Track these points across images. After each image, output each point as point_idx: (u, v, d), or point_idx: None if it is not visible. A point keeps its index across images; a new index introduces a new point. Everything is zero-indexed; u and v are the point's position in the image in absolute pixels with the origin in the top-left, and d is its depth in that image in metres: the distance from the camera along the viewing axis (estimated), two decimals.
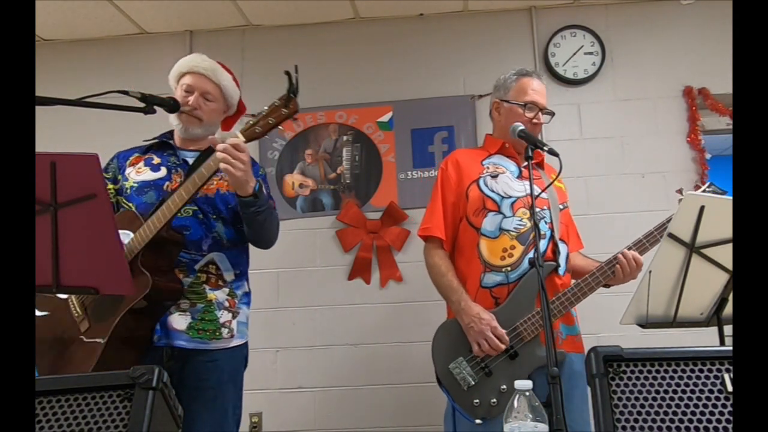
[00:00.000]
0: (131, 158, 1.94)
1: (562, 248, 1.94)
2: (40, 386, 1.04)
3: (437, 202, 2.02)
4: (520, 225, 1.90)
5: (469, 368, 1.82)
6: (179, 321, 1.76)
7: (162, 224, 1.65)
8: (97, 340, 1.64)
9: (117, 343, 1.63)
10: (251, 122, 1.68)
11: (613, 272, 1.83)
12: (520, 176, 2.01)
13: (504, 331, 1.80)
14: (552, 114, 2.06)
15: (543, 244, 1.88)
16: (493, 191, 1.95)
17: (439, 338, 1.92)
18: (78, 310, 1.74)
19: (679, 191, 1.94)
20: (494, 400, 1.78)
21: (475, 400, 1.79)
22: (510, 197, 1.94)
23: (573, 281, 1.91)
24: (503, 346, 1.78)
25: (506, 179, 1.98)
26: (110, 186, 1.91)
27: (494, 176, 1.99)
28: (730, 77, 2.93)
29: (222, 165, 1.63)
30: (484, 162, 2.05)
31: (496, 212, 1.92)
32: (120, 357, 1.61)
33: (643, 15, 3.28)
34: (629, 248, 1.85)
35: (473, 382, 1.81)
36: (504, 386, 1.78)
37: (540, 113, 2.02)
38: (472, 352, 1.83)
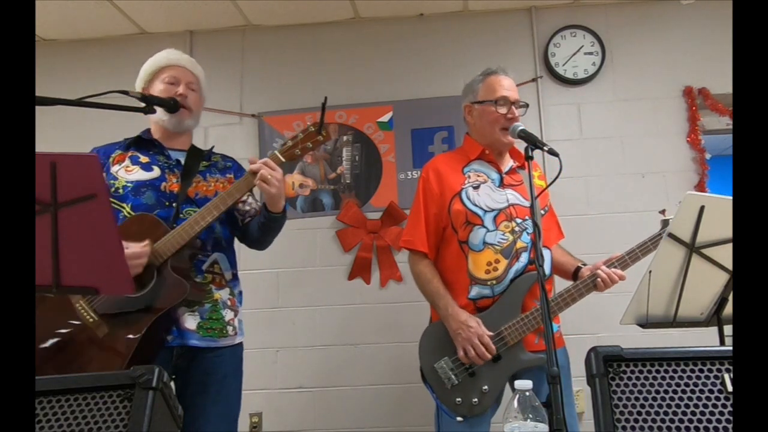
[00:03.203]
0: (114, 155, 1.90)
1: (546, 255, 1.96)
2: (40, 386, 1.04)
3: (420, 213, 2.01)
4: (503, 239, 1.91)
5: (454, 368, 1.87)
6: (189, 320, 1.78)
7: (195, 233, 1.72)
8: (125, 342, 1.64)
9: (144, 345, 1.64)
10: (290, 144, 1.83)
11: (594, 285, 1.87)
12: (501, 184, 2.00)
13: (491, 335, 1.83)
14: (526, 106, 2.04)
15: (525, 257, 1.90)
16: (475, 205, 1.95)
17: (425, 339, 1.96)
18: (92, 315, 1.72)
19: (662, 212, 1.94)
20: (476, 399, 1.83)
21: (457, 399, 1.84)
22: (492, 210, 1.94)
23: (556, 293, 1.91)
24: (489, 356, 1.82)
25: (488, 190, 1.97)
26: None
27: (476, 187, 1.97)
28: (730, 77, 2.93)
29: (259, 182, 1.74)
30: (464, 170, 2.03)
31: (479, 226, 1.93)
32: (144, 359, 1.62)
33: (643, 15, 3.28)
34: (612, 265, 1.87)
35: (456, 382, 1.85)
36: (486, 387, 1.83)
37: (513, 107, 1.99)
38: (458, 355, 1.87)
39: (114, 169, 1.86)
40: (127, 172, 1.85)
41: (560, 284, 1.96)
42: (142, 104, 1.75)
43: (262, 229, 1.89)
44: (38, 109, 1.29)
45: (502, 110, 1.98)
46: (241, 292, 1.97)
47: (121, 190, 1.81)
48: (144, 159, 1.88)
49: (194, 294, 1.75)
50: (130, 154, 1.90)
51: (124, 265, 1.39)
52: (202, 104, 2.03)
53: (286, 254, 3.11)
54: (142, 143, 1.93)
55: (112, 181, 1.84)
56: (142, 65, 2.01)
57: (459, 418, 1.83)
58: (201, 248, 1.83)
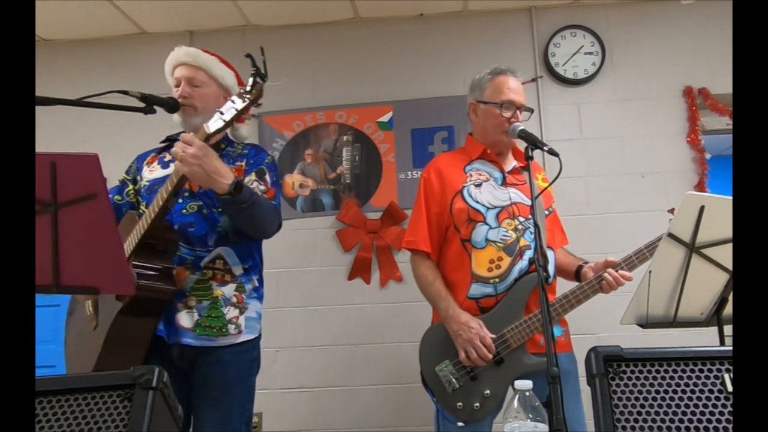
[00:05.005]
0: (148, 158, 1.96)
1: (550, 255, 1.93)
2: (40, 386, 1.04)
3: (421, 213, 1.99)
4: (506, 236, 1.88)
5: (455, 371, 1.83)
6: (186, 319, 1.75)
7: (146, 227, 1.64)
8: (99, 340, 1.66)
9: (115, 343, 1.64)
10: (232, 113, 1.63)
11: (600, 286, 1.84)
12: (504, 183, 1.98)
13: (492, 337, 1.80)
14: (531, 111, 2.03)
15: (529, 254, 1.88)
16: (478, 202, 1.93)
17: (426, 341, 1.93)
18: (90, 308, 1.75)
19: (671, 211, 1.93)
20: (477, 404, 1.79)
21: (459, 403, 1.80)
22: (495, 207, 1.92)
23: (561, 294, 1.89)
24: (490, 356, 1.79)
25: (490, 188, 1.96)
26: (131, 187, 1.94)
27: (478, 185, 1.96)
28: (730, 77, 2.93)
29: (176, 164, 1.61)
30: (466, 168, 2.01)
31: (482, 223, 1.90)
32: (120, 357, 1.62)
33: (643, 15, 3.28)
34: (618, 267, 1.84)
35: (458, 386, 1.81)
36: (488, 391, 1.79)
37: (518, 112, 1.97)
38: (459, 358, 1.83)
39: (144, 170, 1.93)
40: (150, 172, 1.91)
41: (565, 285, 1.94)
42: (142, 104, 1.75)
43: (229, 216, 1.78)
44: (38, 109, 1.29)
45: (507, 114, 1.96)
46: (256, 288, 1.89)
47: (142, 190, 1.88)
48: (168, 158, 1.90)
49: (155, 294, 1.68)
50: (160, 155, 1.94)
51: (124, 264, 1.40)
52: (218, 94, 1.93)
53: (286, 254, 3.11)
54: (173, 143, 1.94)
55: (140, 182, 1.91)
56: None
57: (460, 423, 1.79)
58: (197, 244, 1.79)
